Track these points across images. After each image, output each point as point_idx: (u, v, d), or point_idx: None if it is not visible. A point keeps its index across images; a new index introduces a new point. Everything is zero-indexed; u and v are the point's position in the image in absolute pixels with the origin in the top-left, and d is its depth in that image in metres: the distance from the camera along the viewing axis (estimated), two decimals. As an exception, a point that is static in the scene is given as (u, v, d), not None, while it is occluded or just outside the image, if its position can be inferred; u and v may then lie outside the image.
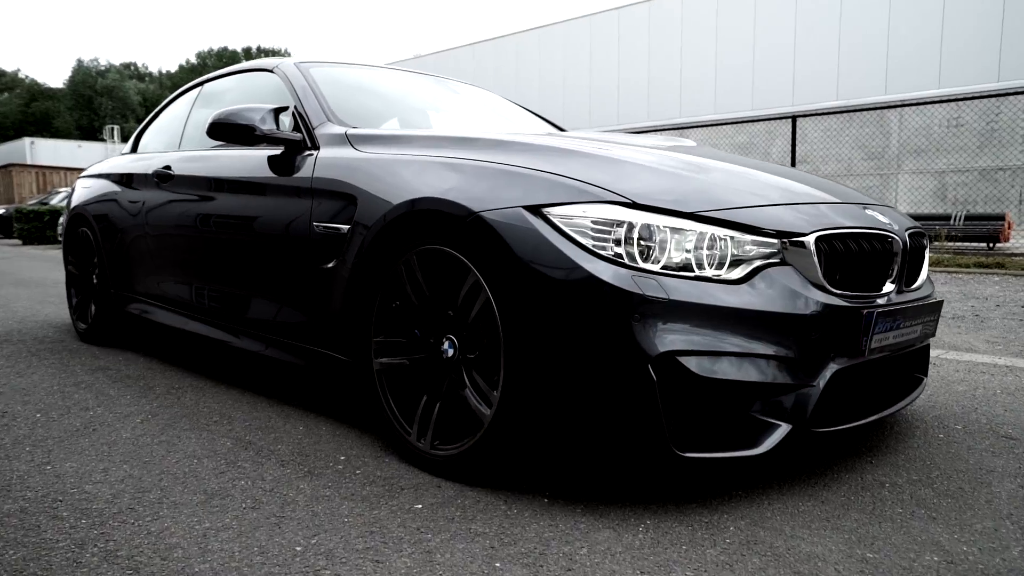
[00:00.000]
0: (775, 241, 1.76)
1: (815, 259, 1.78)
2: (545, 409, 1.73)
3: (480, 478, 1.92)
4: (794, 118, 10.27)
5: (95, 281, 4.01)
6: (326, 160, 2.41)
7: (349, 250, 2.21)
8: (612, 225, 1.69)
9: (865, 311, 1.81)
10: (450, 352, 1.99)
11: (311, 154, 2.50)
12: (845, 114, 13.44)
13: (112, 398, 2.79)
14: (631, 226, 1.68)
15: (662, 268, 1.68)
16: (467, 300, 1.91)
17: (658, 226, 1.69)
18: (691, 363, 1.64)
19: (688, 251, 1.70)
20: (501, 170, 1.89)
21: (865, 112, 13.95)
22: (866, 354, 1.83)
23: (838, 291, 1.82)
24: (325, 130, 2.55)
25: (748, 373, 1.70)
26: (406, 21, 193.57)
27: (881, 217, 2.08)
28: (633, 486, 1.88)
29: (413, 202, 1.99)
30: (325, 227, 2.31)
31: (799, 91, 17.78)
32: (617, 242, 1.68)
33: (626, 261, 1.67)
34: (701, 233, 1.71)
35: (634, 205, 1.71)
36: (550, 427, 1.74)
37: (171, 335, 3.60)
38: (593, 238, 1.69)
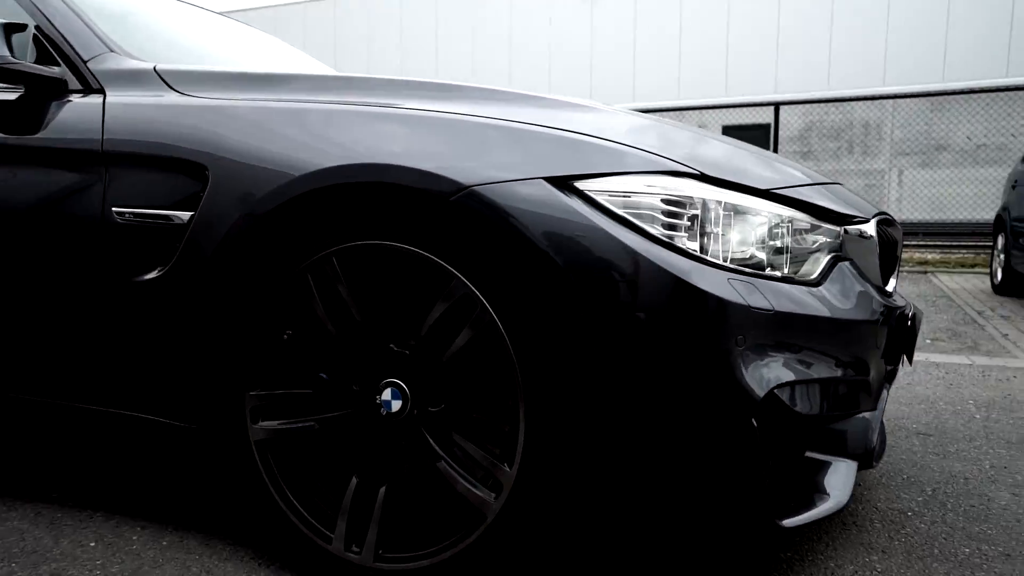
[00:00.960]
0: (839, 229, 1.37)
1: (876, 250, 1.43)
2: (591, 484, 1.14)
3: (471, 599, 1.24)
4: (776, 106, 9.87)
5: None
6: (129, 109, 1.49)
7: (191, 251, 1.36)
8: (686, 206, 1.16)
9: (911, 314, 1.52)
10: (395, 405, 1.28)
11: (86, 101, 1.55)
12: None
13: None
14: (707, 207, 1.17)
15: (744, 266, 1.19)
16: (441, 324, 1.23)
17: (731, 206, 1.20)
18: (792, 398, 1.19)
19: (762, 242, 1.23)
20: (489, 125, 1.23)
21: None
22: (911, 365, 1.54)
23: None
24: (111, 64, 1.60)
25: (837, 403, 1.29)
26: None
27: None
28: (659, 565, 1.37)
29: (342, 170, 1.24)
30: (138, 215, 1.41)
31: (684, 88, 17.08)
32: (689, 231, 1.16)
33: (707, 257, 1.15)
34: (778, 218, 1.25)
35: (703, 177, 1.20)
36: (595, 509, 1.16)
37: None
38: (663, 224, 1.14)
